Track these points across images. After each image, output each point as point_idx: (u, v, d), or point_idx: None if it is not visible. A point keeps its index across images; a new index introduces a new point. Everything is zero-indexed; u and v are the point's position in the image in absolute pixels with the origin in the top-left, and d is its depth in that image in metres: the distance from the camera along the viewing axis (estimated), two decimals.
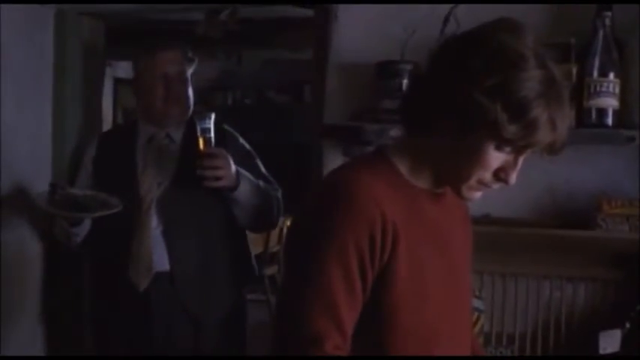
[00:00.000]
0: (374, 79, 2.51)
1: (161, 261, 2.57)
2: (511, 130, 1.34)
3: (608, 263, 2.47)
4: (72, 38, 3.12)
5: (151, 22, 5.06)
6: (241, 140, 2.73)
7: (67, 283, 3.11)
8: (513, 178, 1.43)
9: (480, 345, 2.07)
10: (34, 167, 2.99)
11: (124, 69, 6.84)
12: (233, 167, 2.48)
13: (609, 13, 2.34)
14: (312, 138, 2.78)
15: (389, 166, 1.49)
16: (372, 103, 2.51)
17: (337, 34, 2.67)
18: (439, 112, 1.40)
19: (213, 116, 2.52)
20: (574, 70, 2.31)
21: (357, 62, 2.61)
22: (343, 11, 2.66)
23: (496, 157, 1.40)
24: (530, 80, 1.34)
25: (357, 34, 2.64)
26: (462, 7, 2.41)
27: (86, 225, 2.68)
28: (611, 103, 2.33)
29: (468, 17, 2.00)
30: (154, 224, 2.58)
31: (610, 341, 2.36)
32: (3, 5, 2.81)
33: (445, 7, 2.43)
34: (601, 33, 2.33)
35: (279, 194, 2.66)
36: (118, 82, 7.34)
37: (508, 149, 1.39)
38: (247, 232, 2.79)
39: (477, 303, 2.46)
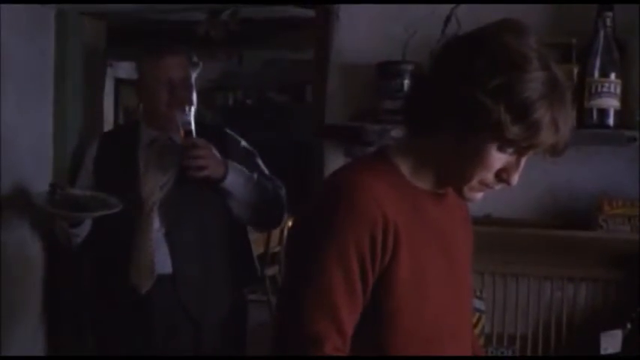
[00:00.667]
0: (375, 79, 2.51)
1: (163, 263, 2.56)
2: (514, 131, 1.34)
3: (609, 264, 2.47)
4: (73, 38, 3.11)
5: (151, 22, 5.07)
6: (243, 143, 2.73)
7: (67, 283, 3.11)
8: (515, 179, 1.43)
9: (480, 346, 2.07)
10: (35, 167, 2.99)
11: (125, 69, 6.86)
12: (218, 157, 2.48)
13: (610, 14, 2.34)
14: (313, 138, 2.78)
15: (390, 167, 1.48)
16: (373, 103, 2.51)
17: (338, 34, 2.67)
18: (442, 113, 1.40)
19: (193, 109, 2.53)
20: (575, 71, 2.31)
21: (358, 62, 2.61)
22: (344, 11, 2.66)
23: (498, 158, 1.40)
24: (534, 81, 1.34)
25: (358, 35, 2.64)
26: (462, 8, 2.41)
27: (86, 226, 2.67)
28: (612, 103, 2.33)
29: (469, 17, 2.01)
30: (157, 226, 2.57)
31: (611, 341, 2.36)
32: (3, 5, 2.81)
33: (446, 8, 2.43)
34: (602, 33, 2.33)
35: (283, 192, 2.65)
36: (119, 82, 7.35)
37: (510, 150, 1.39)
38: (250, 233, 2.79)
39: (477, 303, 2.46)
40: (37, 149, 3.02)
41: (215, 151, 2.49)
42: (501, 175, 1.43)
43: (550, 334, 2.53)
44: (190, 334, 2.60)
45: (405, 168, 1.49)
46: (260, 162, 2.71)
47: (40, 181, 2.85)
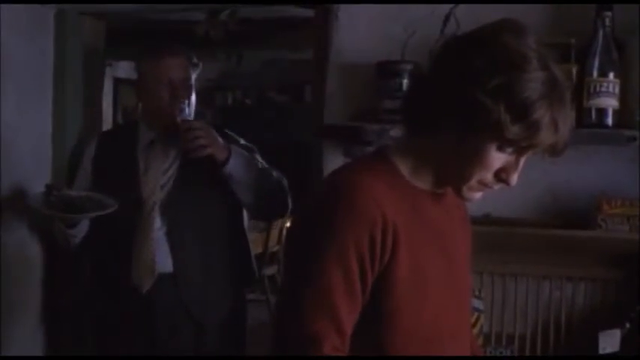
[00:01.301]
0: (374, 79, 2.51)
1: (164, 262, 2.56)
2: (514, 130, 1.34)
3: (608, 263, 2.47)
4: (72, 38, 3.12)
5: (151, 22, 5.08)
6: (242, 142, 2.73)
7: (67, 283, 3.11)
8: (514, 178, 1.43)
9: (478, 345, 2.07)
10: (35, 167, 2.99)
11: (124, 69, 6.87)
12: (219, 139, 2.48)
13: (609, 13, 2.34)
14: (312, 138, 2.78)
15: (389, 167, 1.49)
16: (373, 103, 2.52)
17: (337, 34, 2.67)
18: (441, 113, 1.41)
19: (193, 106, 2.56)
20: (574, 70, 2.31)
21: (357, 62, 2.61)
22: (343, 11, 2.67)
23: (497, 158, 1.40)
24: (533, 81, 1.34)
25: (358, 34, 2.64)
26: (461, 7, 2.41)
27: (84, 226, 2.67)
28: (611, 103, 2.33)
29: (468, 17, 2.01)
30: (158, 225, 2.58)
31: (610, 341, 2.36)
32: (3, 5, 2.81)
33: (445, 8, 2.44)
34: (601, 33, 2.33)
35: (285, 182, 2.64)
36: (118, 81, 7.35)
37: (510, 150, 1.39)
38: (248, 233, 2.79)
39: (476, 303, 2.46)
40: (37, 149, 3.03)
41: (215, 133, 2.49)
42: (500, 175, 1.43)
43: (549, 333, 2.53)
44: (191, 334, 2.60)
45: (404, 168, 1.49)
46: (259, 157, 2.71)
47: (40, 182, 2.85)
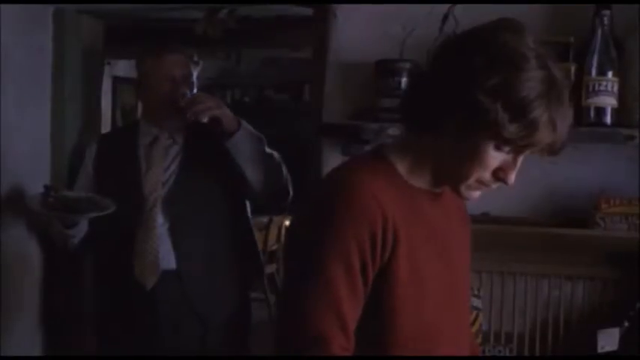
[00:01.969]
0: (373, 77, 2.51)
1: (167, 259, 2.56)
2: (511, 129, 1.34)
3: (607, 262, 2.47)
4: (71, 37, 3.11)
5: (149, 20, 5.06)
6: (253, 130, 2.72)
7: (67, 283, 3.11)
8: (512, 178, 1.43)
9: (477, 344, 2.07)
10: (34, 167, 2.99)
11: (122, 68, 6.86)
12: (228, 110, 2.50)
13: (608, 12, 2.34)
14: (311, 136, 2.78)
15: (388, 166, 1.49)
16: (371, 101, 2.52)
17: (336, 32, 2.67)
18: (439, 111, 1.41)
19: (188, 93, 2.58)
20: (572, 69, 2.31)
21: (356, 61, 2.61)
22: (342, 10, 2.66)
23: (495, 157, 1.40)
24: (532, 80, 1.34)
25: (357, 33, 2.64)
26: (460, 6, 2.41)
27: (83, 226, 2.68)
28: (609, 101, 2.33)
29: (467, 16, 2.01)
30: (160, 222, 2.57)
31: (608, 340, 2.36)
32: (2, 5, 2.81)
33: (444, 7, 2.44)
34: (599, 32, 2.33)
35: (285, 169, 2.63)
36: (116, 80, 7.34)
37: (508, 149, 1.39)
38: (254, 228, 2.79)
39: (475, 302, 2.46)
40: (35, 148, 3.02)
41: (221, 103, 2.52)
42: (498, 174, 1.43)
43: (547, 332, 2.53)
44: (196, 331, 2.59)
45: (401, 167, 1.49)
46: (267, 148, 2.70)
47: (39, 182, 2.85)
